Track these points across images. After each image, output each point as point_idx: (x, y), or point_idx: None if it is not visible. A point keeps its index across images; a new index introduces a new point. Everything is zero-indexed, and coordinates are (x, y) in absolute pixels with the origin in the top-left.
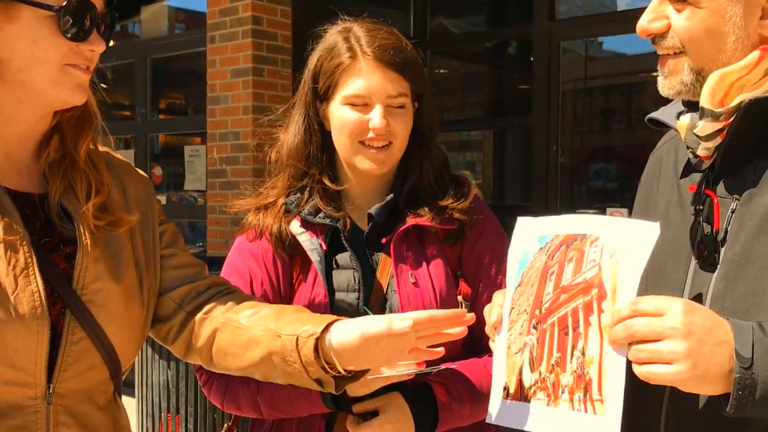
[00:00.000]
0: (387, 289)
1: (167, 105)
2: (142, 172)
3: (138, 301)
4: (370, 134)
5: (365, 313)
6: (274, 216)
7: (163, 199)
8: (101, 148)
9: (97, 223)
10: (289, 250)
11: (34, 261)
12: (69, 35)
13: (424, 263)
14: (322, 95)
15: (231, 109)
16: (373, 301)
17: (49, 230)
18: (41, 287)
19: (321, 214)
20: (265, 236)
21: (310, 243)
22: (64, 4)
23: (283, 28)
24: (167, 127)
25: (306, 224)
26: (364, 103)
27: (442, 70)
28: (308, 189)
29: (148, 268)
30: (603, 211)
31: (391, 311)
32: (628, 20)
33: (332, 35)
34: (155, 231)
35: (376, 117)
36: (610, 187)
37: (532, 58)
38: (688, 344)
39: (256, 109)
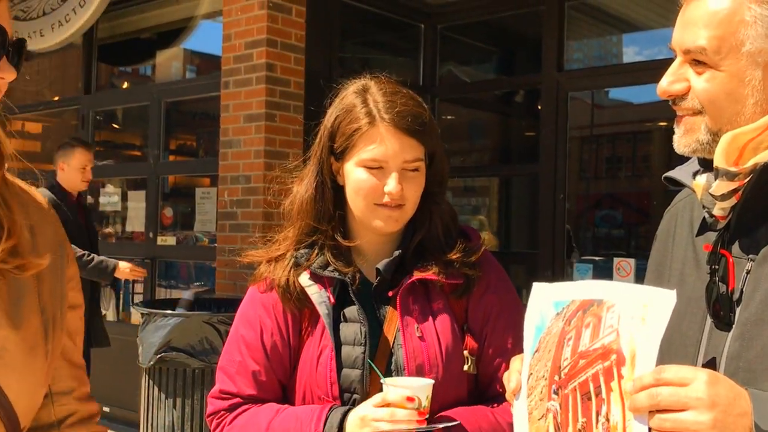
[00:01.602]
0: (393, 342)
1: (179, 147)
2: (56, 217)
3: (42, 351)
4: (386, 198)
5: (370, 367)
6: (283, 269)
7: (172, 239)
8: (23, 185)
9: (4, 266)
10: (297, 302)
11: None
12: None
13: (430, 317)
14: (338, 154)
15: (243, 153)
16: (379, 354)
17: None
18: None
19: (330, 268)
20: (275, 288)
21: (318, 296)
22: None
23: (296, 75)
24: (179, 169)
25: (315, 277)
26: (379, 166)
27: (450, 117)
28: (318, 245)
29: (54, 319)
30: (610, 260)
31: (396, 365)
32: (634, 72)
33: (350, 95)
34: (63, 287)
35: (392, 183)
36: (616, 234)
37: (539, 107)
38: (713, 415)
39: (267, 153)
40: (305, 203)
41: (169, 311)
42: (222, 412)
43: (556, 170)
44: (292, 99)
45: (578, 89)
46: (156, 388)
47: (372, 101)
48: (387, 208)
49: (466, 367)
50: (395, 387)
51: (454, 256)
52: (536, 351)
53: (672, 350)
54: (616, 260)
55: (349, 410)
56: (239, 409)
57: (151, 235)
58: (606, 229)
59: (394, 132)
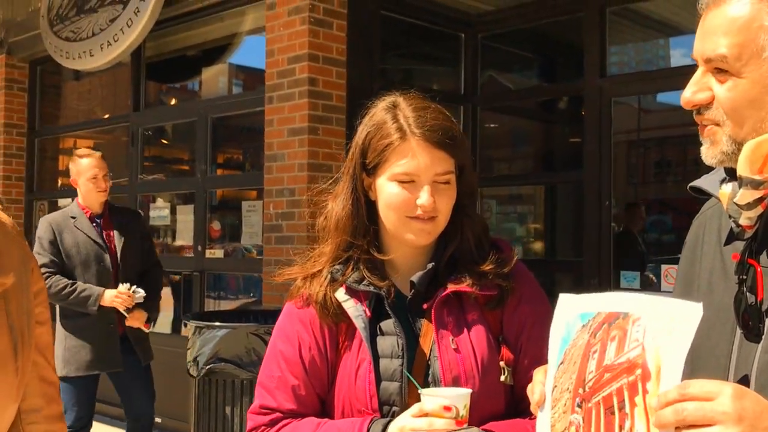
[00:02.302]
0: (430, 355)
1: (226, 161)
2: (21, 236)
3: (11, 367)
4: (418, 211)
5: (408, 379)
6: (320, 284)
7: (220, 252)
8: None
9: None
10: (334, 317)
11: None
12: None
13: (465, 329)
14: (369, 169)
15: (287, 167)
16: (416, 367)
17: None
18: None
19: (365, 282)
20: (311, 304)
21: (354, 310)
22: None
23: (338, 89)
24: (225, 182)
25: (351, 291)
26: (411, 180)
27: (492, 126)
28: (354, 259)
29: (23, 336)
30: (658, 267)
31: (433, 377)
32: (678, 76)
33: (380, 112)
34: (29, 303)
35: (424, 196)
36: (666, 239)
37: (583, 113)
38: (740, 429)
39: (311, 166)
40: (341, 220)
41: (217, 323)
42: (262, 428)
43: (600, 177)
44: (335, 112)
45: (621, 95)
46: (206, 399)
47: (402, 117)
48: (419, 220)
49: (502, 378)
50: (432, 397)
51: (487, 268)
52: (561, 363)
53: (702, 362)
54: (663, 267)
55: (389, 422)
56: (279, 424)
57: (199, 248)
58: (656, 235)
59: (425, 146)
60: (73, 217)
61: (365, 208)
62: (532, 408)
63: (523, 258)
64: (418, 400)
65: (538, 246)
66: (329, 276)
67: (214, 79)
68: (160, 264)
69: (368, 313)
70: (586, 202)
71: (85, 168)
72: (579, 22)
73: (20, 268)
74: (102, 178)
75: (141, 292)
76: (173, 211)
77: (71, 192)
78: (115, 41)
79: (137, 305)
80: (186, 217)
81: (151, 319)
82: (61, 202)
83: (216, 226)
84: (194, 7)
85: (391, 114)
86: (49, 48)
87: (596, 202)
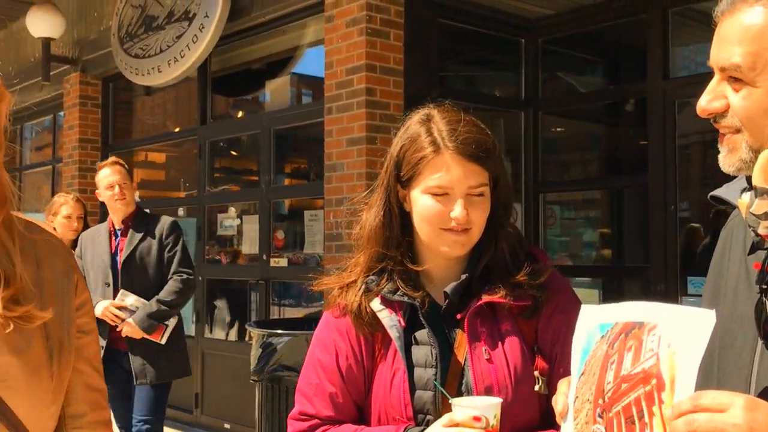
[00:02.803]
0: (464, 364)
1: (289, 172)
2: (65, 248)
3: (46, 372)
4: (452, 223)
5: (436, 389)
6: (355, 294)
7: (284, 261)
8: (30, 220)
9: (8, 314)
10: (369, 326)
11: None
12: None
13: (499, 339)
14: (404, 181)
15: (346, 176)
16: (450, 376)
17: None
18: None
19: (399, 292)
20: (347, 313)
21: (389, 320)
22: None
23: (396, 98)
24: (288, 193)
25: (386, 302)
26: (445, 193)
27: (554, 130)
28: (388, 270)
29: (61, 343)
30: None
31: (467, 387)
32: None
33: (414, 125)
34: (70, 314)
35: (457, 209)
36: None
37: (646, 116)
38: None
39: (369, 175)
40: (374, 230)
41: (279, 330)
42: None
43: (665, 180)
44: (392, 121)
45: (685, 97)
46: (269, 405)
47: (436, 130)
48: (453, 232)
49: (536, 388)
50: (462, 407)
51: (521, 278)
52: (582, 374)
53: (727, 372)
54: None
55: (422, 431)
56: (318, 430)
57: (264, 257)
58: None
59: (458, 159)
60: (101, 231)
61: (399, 219)
62: (557, 419)
63: (588, 264)
64: (451, 409)
65: (603, 252)
66: (364, 286)
67: (277, 91)
68: (188, 273)
69: (403, 323)
70: (650, 207)
71: (101, 179)
72: (641, 23)
73: (62, 280)
74: (121, 187)
75: (131, 301)
76: (240, 221)
77: (144, 204)
78: (182, 57)
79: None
80: (251, 226)
81: (152, 330)
82: None
83: (280, 235)
84: (257, 22)
85: (425, 127)
86: (119, 65)
87: (661, 207)
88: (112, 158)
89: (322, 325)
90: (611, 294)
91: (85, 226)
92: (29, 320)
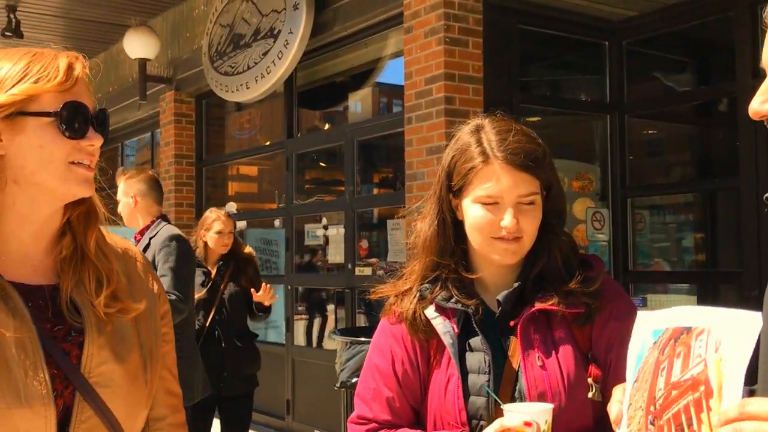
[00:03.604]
0: (517, 371)
1: (372, 181)
2: (149, 265)
3: (142, 380)
4: (503, 232)
5: (489, 395)
6: (410, 302)
7: (368, 269)
8: (117, 239)
9: (108, 310)
10: (424, 333)
11: (41, 354)
12: (68, 135)
13: (552, 346)
14: (455, 191)
15: (426, 185)
16: (504, 383)
17: (60, 319)
18: (46, 377)
19: (453, 300)
20: (403, 321)
21: (443, 326)
22: (60, 108)
23: (475, 105)
24: (371, 202)
25: (440, 309)
26: (495, 202)
27: (641, 133)
28: (442, 279)
29: (151, 353)
30: None
31: (520, 393)
32: None
33: (465, 135)
34: (157, 324)
35: (507, 218)
36: None
37: (736, 116)
38: None
39: None
40: (428, 240)
41: (362, 338)
42: None
43: (758, 182)
44: None
45: None
46: (353, 411)
47: (486, 140)
48: (504, 241)
49: (590, 395)
50: (513, 412)
51: (574, 286)
52: (635, 381)
53: None
54: None
55: None
56: None
57: (349, 266)
58: None
59: (507, 169)
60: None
61: (452, 229)
62: (612, 425)
63: (680, 270)
64: (504, 414)
65: (696, 257)
66: (418, 294)
67: (359, 103)
68: (176, 295)
69: (456, 330)
70: (743, 209)
71: (124, 185)
72: (729, 21)
73: (150, 293)
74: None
75: None
76: (327, 231)
77: (233, 216)
78: (268, 73)
79: None
80: (337, 236)
81: None
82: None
83: (364, 244)
84: (339, 36)
85: (475, 138)
86: (210, 82)
87: (754, 210)
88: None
89: (379, 331)
90: (706, 300)
91: (235, 242)
92: (126, 313)
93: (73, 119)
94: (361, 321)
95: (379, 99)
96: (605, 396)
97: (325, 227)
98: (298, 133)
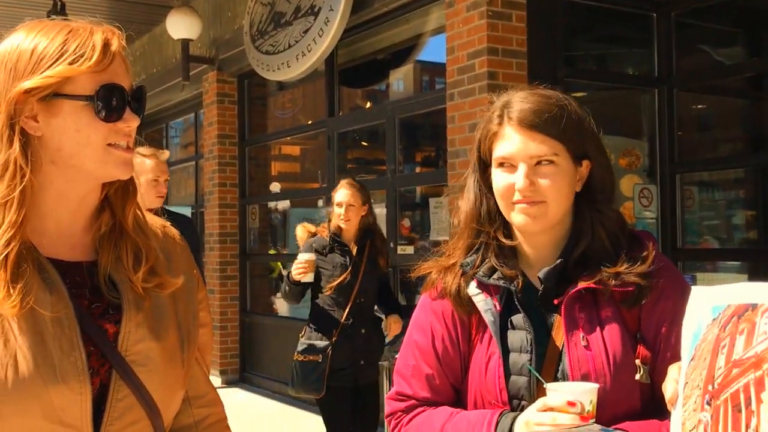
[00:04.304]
0: (561, 351)
1: (414, 160)
2: (187, 247)
3: (179, 360)
4: (517, 195)
5: (531, 374)
6: (453, 276)
7: (411, 248)
8: (155, 219)
9: (146, 285)
10: (466, 309)
11: (78, 331)
12: (105, 118)
13: (598, 326)
14: (485, 161)
15: (469, 162)
16: (547, 363)
17: (98, 296)
18: (83, 354)
19: (496, 276)
20: (445, 296)
21: (484, 304)
22: (96, 91)
23: (519, 80)
24: (413, 180)
25: (481, 286)
26: (510, 164)
27: (692, 107)
28: (483, 246)
29: (189, 333)
30: None
31: (563, 374)
32: None
33: (494, 107)
34: (194, 307)
35: (518, 178)
36: None
37: None
38: None
39: None
40: (469, 213)
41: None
42: (399, 413)
43: None
44: None
45: None
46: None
47: (506, 105)
48: (522, 205)
49: (637, 376)
50: (557, 392)
51: (622, 264)
52: (692, 359)
53: None
54: None
55: (518, 416)
56: (415, 411)
57: (391, 244)
58: None
59: (518, 128)
60: None
61: (490, 199)
62: (667, 406)
63: (731, 247)
64: (546, 394)
65: (747, 234)
66: (461, 269)
67: (401, 80)
68: None
69: (498, 308)
70: None
71: (150, 168)
72: None
73: (188, 274)
74: (164, 182)
75: None
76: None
77: (277, 196)
78: (309, 51)
79: None
80: (379, 215)
81: None
82: (270, 204)
83: (406, 223)
84: (380, 12)
85: (500, 105)
86: (252, 62)
87: None
88: (153, 148)
89: (419, 307)
90: (758, 277)
91: (371, 215)
92: (163, 288)
93: (110, 102)
94: (402, 300)
95: (420, 76)
96: (655, 380)
97: (164, 222)
98: (339, 111)
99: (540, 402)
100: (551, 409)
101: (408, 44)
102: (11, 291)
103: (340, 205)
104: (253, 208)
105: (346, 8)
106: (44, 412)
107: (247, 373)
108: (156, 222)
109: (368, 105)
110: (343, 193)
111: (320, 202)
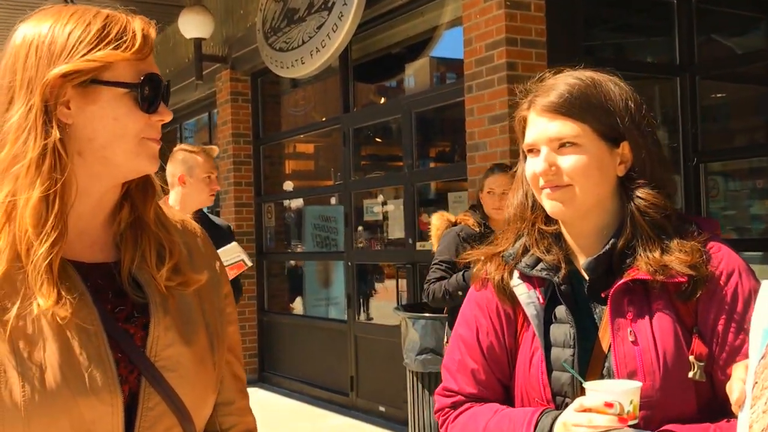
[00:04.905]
0: (609, 347)
1: (431, 154)
2: (209, 240)
3: (209, 362)
4: (541, 181)
5: (568, 372)
6: (496, 266)
7: (429, 244)
8: (175, 213)
9: (169, 284)
10: (510, 301)
11: (104, 337)
12: (145, 109)
13: (647, 320)
14: (524, 151)
15: (489, 155)
16: (594, 359)
17: (122, 298)
18: (112, 363)
19: (539, 266)
20: (489, 286)
21: (527, 296)
22: (140, 79)
23: (539, 70)
24: (431, 175)
25: (524, 277)
26: (536, 149)
27: (714, 95)
28: (526, 235)
29: (217, 333)
30: None
31: (608, 371)
32: None
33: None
34: (221, 303)
35: (538, 162)
36: None
37: None
38: None
39: (513, 153)
40: (517, 202)
41: (425, 314)
42: (447, 409)
43: None
44: None
45: None
46: (420, 388)
47: (533, 92)
48: (548, 190)
49: (691, 374)
50: (594, 391)
51: (670, 255)
52: (762, 357)
53: None
54: None
55: (559, 414)
56: (462, 408)
57: (410, 241)
58: None
59: (539, 112)
60: None
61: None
62: (733, 407)
63: (758, 237)
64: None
65: None
66: (504, 260)
67: (416, 74)
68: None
69: (542, 300)
70: None
71: (202, 164)
72: None
73: (212, 269)
74: (215, 179)
75: None
76: (385, 207)
77: (289, 195)
78: (323, 47)
79: None
80: (396, 211)
81: None
82: (285, 203)
83: (425, 218)
84: (394, 5)
85: (528, 93)
86: (265, 59)
87: None
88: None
89: (466, 300)
90: None
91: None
92: (187, 285)
93: (151, 92)
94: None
95: (436, 69)
96: (714, 377)
97: (384, 203)
98: (354, 107)
99: (577, 402)
100: (588, 410)
101: (423, 38)
102: (62, 294)
103: (492, 192)
104: (269, 207)
105: (360, 2)
106: (74, 426)
107: (265, 372)
108: (175, 216)
109: (382, 100)
110: (497, 180)
111: (333, 200)
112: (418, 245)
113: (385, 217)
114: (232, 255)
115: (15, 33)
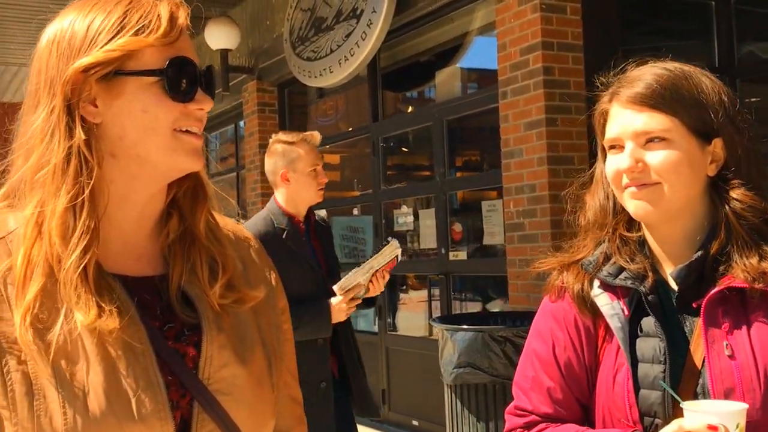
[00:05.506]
0: (702, 362)
1: (464, 163)
2: (263, 251)
3: (267, 384)
4: (625, 179)
5: (664, 390)
6: (574, 276)
7: (463, 254)
8: (229, 223)
9: (222, 301)
10: (591, 313)
11: (153, 358)
12: (175, 97)
13: (746, 331)
14: (603, 148)
15: (525, 162)
16: (686, 375)
17: (171, 315)
18: (162, 387)
19: (623, 275)
20: (566, 297)
21: (610, 308)
22: (165, 65)
23: (576, 75)
24: (464, 184)
25: (606, 286)
26: (619, 145)
27: (756, 99)
28: (607, 242)
29: (275, 352)
30: None
31: (703, 388)
32: None
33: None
34: (277, 318)
35: (623, 158)
36: None
37: None
38: None
39: (551, 159)
40: (596, 206)
41: (463, 326)
42: (518, 430)
43: None
44: (573, 100)
45: None
46: (458, 403)
47: (617, 83)
48: (632, 189)
49: None
50: (695, 412)
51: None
52: None
53: None
54: None
55: None
56: (536, 428)
57: (443, 250)
58: None
59: (624, 105)
60: (283, 229)
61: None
62: None
63: None
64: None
65: None
66: (583, 268)
67: (447, 82)
68: None
69: (626, 312)
70: None
71: (305, 157)
72: None
73: (268, 283)
74: (322, 171)
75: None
76: (416, 216)
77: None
78: (352, 55)
79: None
80: (428, 220)
81: None
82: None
83: (457, 228)
84: (424, 12)
85: (610, 85)
86: (293, 69)
87: None
88: (291, 134)
89: (539, 312)
90: None
91: None
92: (243, 303)
93: (181, 78)
94: (457, 307)
95: (467, 76)
96: None
97: (415, 213)
98: (383, 116)
99: (675, 424)
100: None
101: (453, 44)
102: (103, 306)
103: None
104: None
105: (389, 9)
106: None
107: None
108: (228, 225)
109: (411, 108)
110: None
111: (355, 211)
112: (451, 255)
113: (416, 226)
114: (390, 255)
115: (42, 34)
